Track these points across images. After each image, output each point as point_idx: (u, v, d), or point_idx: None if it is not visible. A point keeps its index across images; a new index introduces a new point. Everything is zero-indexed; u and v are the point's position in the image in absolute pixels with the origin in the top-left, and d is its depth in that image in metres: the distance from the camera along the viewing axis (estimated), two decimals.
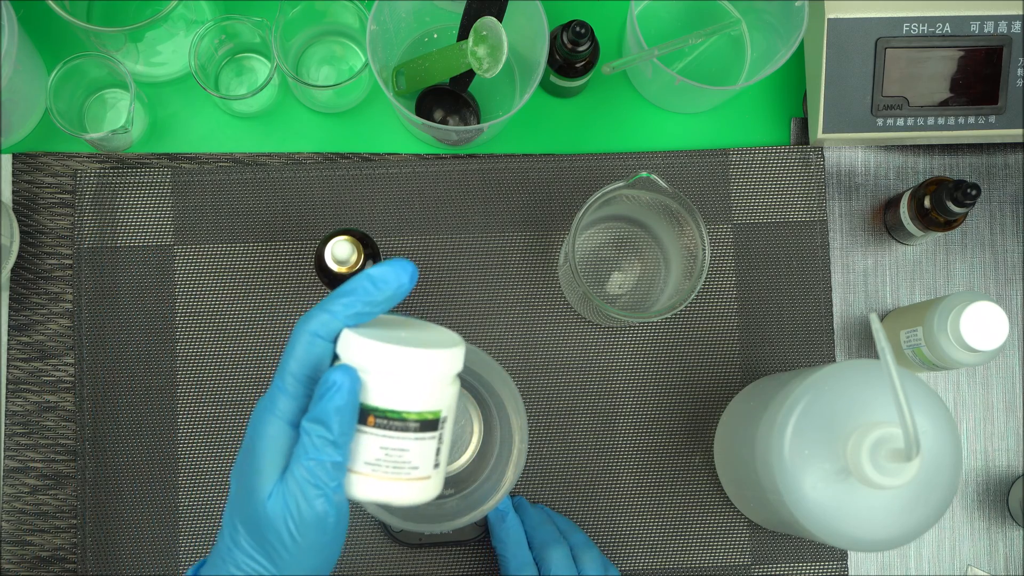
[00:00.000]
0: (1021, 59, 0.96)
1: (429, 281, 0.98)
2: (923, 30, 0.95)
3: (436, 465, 0.63)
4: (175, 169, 0.98)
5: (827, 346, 0.99)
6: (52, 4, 0.89)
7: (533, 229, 0.99)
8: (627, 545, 0.97)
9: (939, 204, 0.93)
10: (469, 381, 0.95)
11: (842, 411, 0.76)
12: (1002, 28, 0.96)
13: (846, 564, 0.98)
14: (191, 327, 0.97)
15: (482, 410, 0.95)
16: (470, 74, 0.96)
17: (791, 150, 1.01)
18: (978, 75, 0.96)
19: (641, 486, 0.98)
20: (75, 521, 0.95)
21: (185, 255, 0.97)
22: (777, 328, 0.99)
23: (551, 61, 0.95)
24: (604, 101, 1.02)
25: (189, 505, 0.95)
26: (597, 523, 0.97)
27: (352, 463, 0.62)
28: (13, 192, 0.97)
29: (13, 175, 0.97)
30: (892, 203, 0.99)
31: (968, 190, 0.90)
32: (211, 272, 0.97)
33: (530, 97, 0.91)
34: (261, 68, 1.00)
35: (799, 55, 1.02)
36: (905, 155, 1.02)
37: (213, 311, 0.97)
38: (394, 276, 0.62)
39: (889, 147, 1.02)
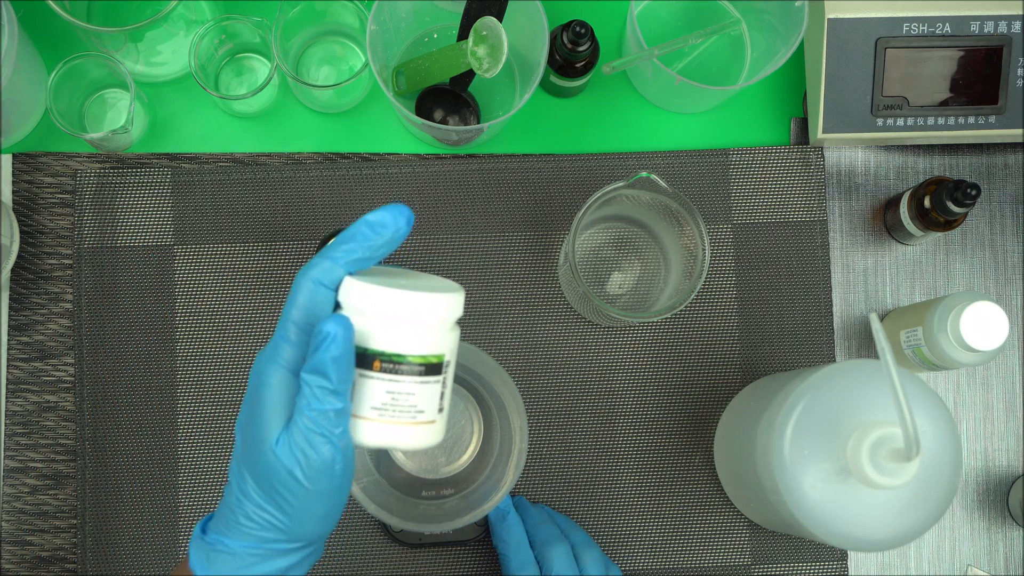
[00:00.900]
0: (1021, 59, 0.96)
1: None
2: (923, 30, 0.95)
3: (440, 410, 0.64)
4: (175, 169, 0.98)
5: (827, 346, 0.99)
6: (52, 4, 0.88)
7: (533, 229, 0.99)
8: (627, 545, 0.97)
9: (939, 204, 0.93)
10: (469, 381, 0.95)
11: (842, 411, 0.76)
12: (1002, 28, 0.95)
13: (846, 564, 0.98)
14: (191, 327, 0.97)
15: (482, 410, 0.95)
16: (470, 74, 0.96)
17: (791, 150, 1.01)
18: (978, 75, 0.96)
19: (641, 486, 0.98)
20: (75, 521, 0.95)
21: (185, 255, 0.97)
22: (777, 328, 0.99)
23: (551, 61, 0.95)
24: (604, 101, 1.02)
25: (189, 505, 0.95)
26: (597, 523, 0.97)
27: (358, 409, 0.62)
28: (13, 192, 0.97)
29: (13, 175, 0.97)
30: (892, 203, 0.99)
31: (968, 190, 0.90)
32: (211, 272, 0.97)
33: (530, 97, 0.91)
34: (261, 68, 1.00)
35: (799, 55, 1.02)
36: (905, 155, 1.02)
37: (213, 311, 0.97)
38: (391, 220, 0.63)
39: (889, 147, 1.02)
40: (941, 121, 0.97)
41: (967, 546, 0.99)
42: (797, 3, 0.92)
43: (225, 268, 0.97)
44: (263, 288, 0.97)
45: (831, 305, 1.00)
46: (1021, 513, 0.96)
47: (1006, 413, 1.00)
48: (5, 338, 0.97)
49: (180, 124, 1.00)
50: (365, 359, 0.62)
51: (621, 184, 0.88)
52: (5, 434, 0.96)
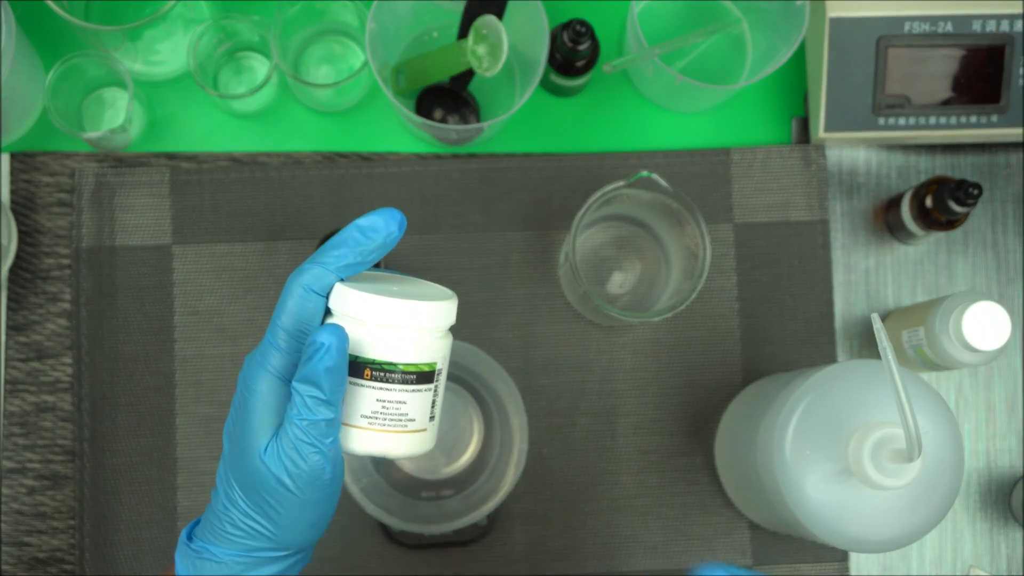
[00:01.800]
0: (1023, 58, 0.96)
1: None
2: (925, 29, 0.95)
3: (431, 418, 0.64)
4: (174, 168, 0.98)
5: (828, 346, 0.99)
6: (50, 3, 0.88)
7: (533, 229, 0.99)
8: (628, 545, 0.97)
9: (941, 204, 0.92)
10: (469, 381, 0.95)
11: (844, 411, 0.76)
12: (1004, 27, 0.95)
13: (847, 565, 0.97)
14: (190, 327, 0.96)
15: (482, 410, 0.95)
16: (470, 73, 0.95)
17: (792, 149, 1.00)
18: (980, 74, 0.96)
19: (642, 486, 0.97)
20: (73, 522, 0.95)
21: (184, 255, 0.97)
22: (779, 328, 0.99)
23: (551, 60, 0.95)
24: (604, 100, 1.01)
25: (187, 506, 0.95)
26: (597, 523, 0.97)
27: (349, 417, 0.62)
28: (11, 191, 0.97)
29: (11, 174, 0.97)
30: (894, 203, 0.99)
31: (970, 189, 0.89)
32: (210, 272, 0.97)
33: (530, 96, 0.91)
34: (260, 67, 0.99)
35: (800, 54, 1.01)
36: (907, 154, 1.02)
37: (212, 311, 0.97)
38: (383, 224, 0.62)
39: (891, 146, 1.02)
40: (943, 120, 0.97)
41: (969, 547, 0.99)
42: (798, 2, 0.92)
43: (224, 268, 0.97)
44: (262, 288, 0.97)
45: (833, 305, 0.99)
46: (1023, 514, 0.96)
47: (1008, 413, 1.00)
48: (3, 338, 0.96)
49: (179, 123, 1.00)
50: (356, 367, 0.61)
51: (622, 183, 0.88)
52: (3, 435, 0.95)
